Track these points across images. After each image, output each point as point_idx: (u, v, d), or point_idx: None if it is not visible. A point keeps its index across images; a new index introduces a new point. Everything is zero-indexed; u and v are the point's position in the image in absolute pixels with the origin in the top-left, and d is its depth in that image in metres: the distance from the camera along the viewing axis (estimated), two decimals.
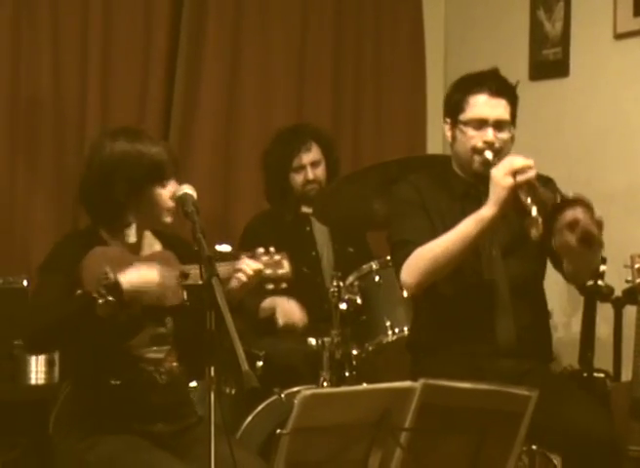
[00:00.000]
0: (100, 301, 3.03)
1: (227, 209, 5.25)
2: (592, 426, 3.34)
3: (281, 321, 4.40)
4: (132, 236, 3.30)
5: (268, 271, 3.26)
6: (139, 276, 3.12)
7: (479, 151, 3.52)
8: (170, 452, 3.16)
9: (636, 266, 4.06)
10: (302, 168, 4.71)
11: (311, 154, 4.72)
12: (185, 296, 3.20)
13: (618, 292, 4.43)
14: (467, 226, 3.39)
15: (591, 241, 3.18)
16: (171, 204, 3.25)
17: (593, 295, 4.53)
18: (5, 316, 4.39)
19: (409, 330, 4.01)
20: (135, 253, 3.29)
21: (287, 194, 4.74)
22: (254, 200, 5.11)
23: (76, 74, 5.02)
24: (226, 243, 3.77)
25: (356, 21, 5.58)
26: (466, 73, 3.66)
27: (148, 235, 3.37)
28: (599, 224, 3.19)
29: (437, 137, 5.69)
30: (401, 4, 5.66)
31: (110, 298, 3.03)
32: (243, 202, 5.24)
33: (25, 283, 4.46)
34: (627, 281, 4.08)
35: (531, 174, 3.30)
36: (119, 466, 3.12)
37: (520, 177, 3.30)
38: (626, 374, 4.36)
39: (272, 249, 3.29)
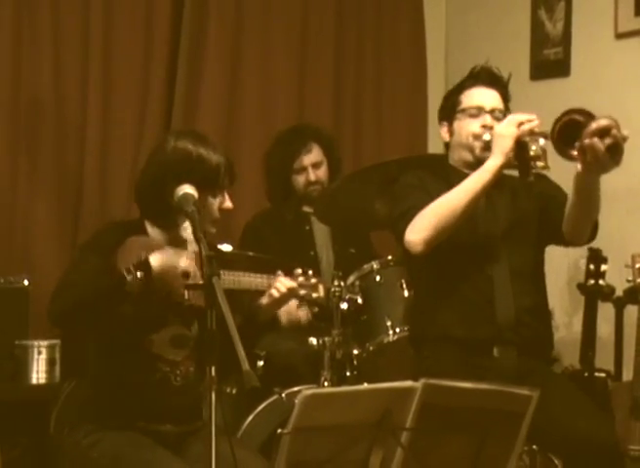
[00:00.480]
0: (129, 277, 3.03)
1: (227, 217, 5.24)
2: (593, 429, 3.35)
3: (284, 319, 4.40)
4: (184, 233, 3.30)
5: (303, 292, 3.29)
6: (167, 257, 3.12)
7: (478, 136, 3.59)
8: (171, 451, 3.16)
9: (637, 266, 4.07)
10: (304, 169, 4.70)
11: (312, 155, 4.72)
12: (187, 296, 3.19)
13: (619, 292, 4.43)
14: (473, 178, 3.47)
15: (619, 152, 3.22)
16: (217, 215, 3.25)
17: (594, 295, 4.53)
18: (6, 315, 4.40)
19: (409, 326, 4.01)
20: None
21: (289, 195, 4.74)
22: (254, 199, 5.10)
23: (77, 75, 5.02)
24: (227, 242, 3.78)
25: (357, 22, 5.59)
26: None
27: (192, 241, 3.35)
28: (624, 139, 3.23)
29: (438, 141, 5.66)
30: (402, 4, 5.67)
31: (138, 274, 3.03)
32: (243, 201, 5.22)
33: (26, 282, 4.46)
34: (628, 280, 4.09)
35: (534, 123, 3.41)
36: (122, 463, 3.12)
37: (524, 127, 3.40)
38: (627, 374, 4.36)
39: (310, 271, 3.32)
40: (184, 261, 3.14)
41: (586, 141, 3.20)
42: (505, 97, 3.70)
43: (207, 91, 5.26)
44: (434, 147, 5.65)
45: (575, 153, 3.25)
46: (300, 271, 3.29)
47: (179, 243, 3.28)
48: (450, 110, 3.70)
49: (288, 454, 2.60)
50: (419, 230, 3.49)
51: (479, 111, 3.63)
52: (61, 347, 4.46)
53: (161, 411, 3.23)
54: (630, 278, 4.08)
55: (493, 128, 3.55)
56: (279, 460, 2.60)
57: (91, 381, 3.34)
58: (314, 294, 3.31)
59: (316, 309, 3.32)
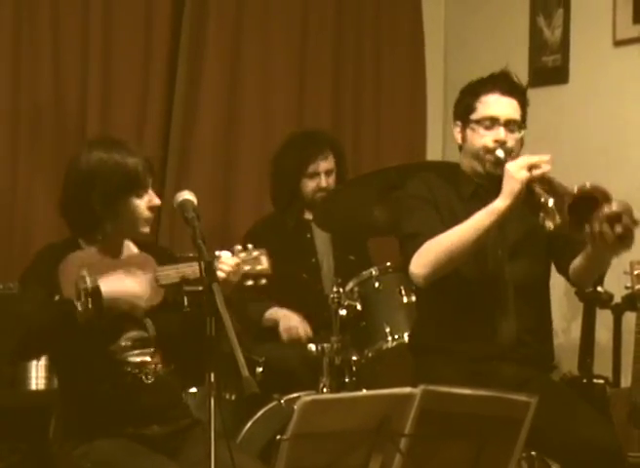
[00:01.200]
0: (80, 308, 3.03)
1: (227, 214, 5.25)
2: (593, 435, 3.33)
3: (284, 336, 4.41)
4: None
5: (247, 267, 3.21)
6: (119, 284, 3.13)
7: (491, 150, 3.49)
8: (166, 455, 3.15)
9: (635, 273, 4.06)
10: (317, 175, 4.69)
11: (327, 162, 4.71)
12: (186, 302, 3.20)
13: (617, 299, 4.43)
14: (479, 218, 3.38)
15: (630, 240, 3.17)
16: (147, 214, 3.25)
17: (593, 302, 4.53)
18: (4, 322, 4.38)
19: (410, 332, 4.00)
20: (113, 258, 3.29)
21: (294, 199, 4.72)
22: (253, 205, 5.11)
23: (77, 76, 5.04)
24: (226, 248, 3.77)
25: (356, 27, 5.60)
26: (476, 78, 3.64)
27: (128, 243, 3.36)
28: (637, 224, 3.18)
29: (437, 144, 5.71)
30: (401, 10, 5.67)
31: (90, 306, 3.04)
32: (243, 207, 5.24)
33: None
34: (627, 287, 4.09)
35: (546, 168, 3.30)
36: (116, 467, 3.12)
37: (535, 171, 3.29)
38: (626, 381, 4.36)
39: (250, 245, 3.25)
40: (135, 283, 3.14)
41: (596, 228, 3.14)
42: (523, 106, 3.58)
43: (207, 91, 5.26)
44: (433, 150, 5.68)
45: (585, 234, 3.18)
46: (239, 247, 3.24)
47: (114, 253, 3.30)
48: (463, 113, 3.59)
49: (287, 461, 2.60)
50: (422, 266, 3.44)
51: (493, 123, 3.51)
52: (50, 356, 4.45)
53: (142, 413, 3.22)
54: (629, 285, 4.08)
55: (506, 143, 3.48)
56: (278, 466, 2.60)
57: (65, 396, 3.34)
58: (258, 267, 3.22)
59: (263, 281, 3.27)
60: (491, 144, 3.50)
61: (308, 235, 4.75)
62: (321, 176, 4.68)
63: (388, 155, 5.50)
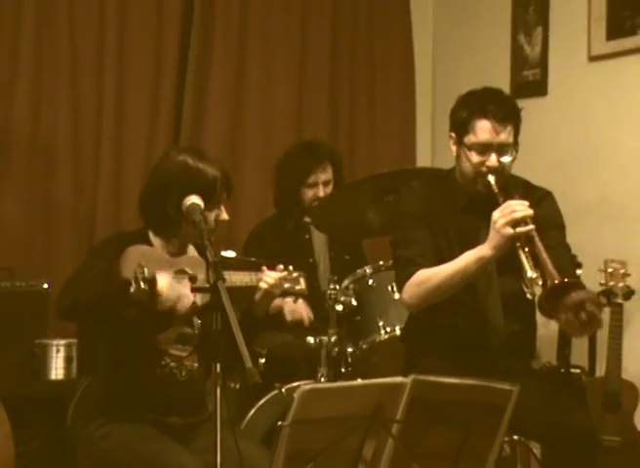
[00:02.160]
0: (134, 287, 3.01)
1: (232, 217, 5.23)
2: (571, 419, 3.33)
3: (289, 318, 4.39)
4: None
5: (287, 285, 3.32)
6: (170, 285, 3.09)
7: (482, 175, 3.40)
8: (179, 442, 3.15)
9: (609, 270, 4.08)
10: (316, 185, 4.66)
11: (326, 174, 4.68)
12: (195, 299, 3.19)
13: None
14: (467, 262, 3.33)
15: (596, 323, 3.12)
16: (213, 226, 3.24)
17: None
18: (27, 316, 4.39)
19: (402, 327, 3.99)
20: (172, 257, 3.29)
21: (294, 205, 4.72)
22: (256, 209, 5.10)
23: (92, 99, 5.02)
24: (231, 249, 3.79)
25: (351, 45, 5.60)
26: (473, 89, 3.52)
27: (191, 248, 3.36)
28: (601, 308, 3.14)
29: (425, 151, 5.72)
30: (392, 28, 5.68)
31: (144, 286, 3.02)
32: (246, 210, 5.23)
33: (45, 286, 4.45)
34: (601, 284, 4.10)
35: (529, 227, 3.21)
36: (130, 453, 3.12)
37: (519, 229, 3.22)
38: (600, 370, 4.37)
39: (291, 267, 3.34)
40: (185, 289, 3.14)
41: (562, 317, 3.11)
42: (517, 126, 3.44)
43: (212, 106, 5.24)
44: (422, 156, 5.68)
45: (554, 317, 3.17)
46: (281, 267, 3.30)
47: (176, 252, 3.29)
48: (458, 129, 3.45)
49: (287, 445, 2.60)
50: (414, 297, 3.44)
51: (485, 149, 3.37)
52: (78, 345, 4.46)
53: (167, 404, 3.23)
54: (603, 281, 4.09)
55: (496, 169, 3.37)
56: (279, 450, 2.60)
57: (103, 377, 3.33)
58: (297, 287, 3.35)
59: (300, 301, 3.38)
60: (482, 169, 3.40)
61: (307, 236, 4.74)
62: (319, 187, 4.65)
63: (381, 162, 5.49)
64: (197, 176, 3.21)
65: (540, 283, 3.15)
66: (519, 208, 3.24)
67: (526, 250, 3.20)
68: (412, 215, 3.53)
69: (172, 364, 3.23)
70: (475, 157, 3.40)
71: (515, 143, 3.45)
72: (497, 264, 3.46)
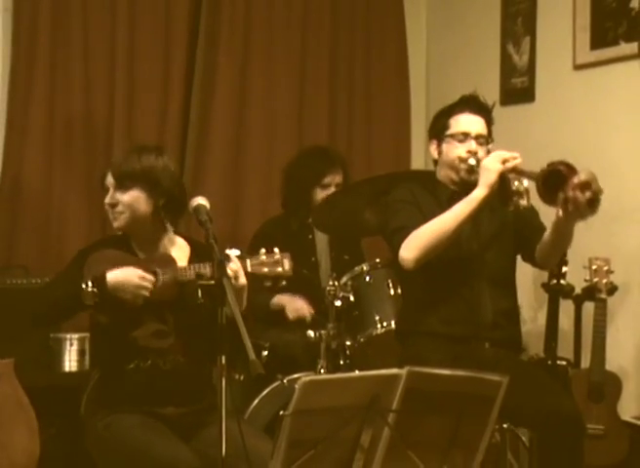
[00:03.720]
0: (84, 289, 3.06)
1: (236, 217, 5.24)
2: (558, 405, 3.35)
3: (291, 316, 4.40)
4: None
5: (266, 269, 3.17)
6: (122, 274, 3.11)
7: (464, 159, 3.56)
8: (179, 434, 3.14)
9: (593, 267, 4.08)
10: (329, 186, 4.66)
11: (339, 177, 4.70)
12: (200, 294, 3.18)
13: (578, 290, 4.43)
14: (460, 206, 3.43)
15: (597, 204, 3.22)
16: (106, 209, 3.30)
17: (556, 293, 4.53)
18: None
19: (397, 318, 4.00)
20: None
21: (303, 205, 4.71)
22: (259, 210, 5.09)
23: (104, 96, 5.01)
24: (235, 247, 3.76)
25: (349, 56, 5.60)
26: (448, 104, 3.72)
27: (180, 241, 3.35)
28: (601, 191, 3.24)
29: (419, 154, 5.71)
30: (388, 41, 5.68)
31: (93, 289, 3.05)
32: (250, 212, 5.23)
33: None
34: (586, 280, 4.10)
35: (517, 161, 3.38)
36: (129, 443, 3.10)
37: (508, 164, 3.37)
38: (585, 362, 4.36)
39: (276, 249, 3.21)
40: (135, 274, 3.12)
41: (570, 194, 3.18)
42: (489, 123, 3.66)
43: (218, 112, 5.24)
44: (416, 161, 5.68)
45: (558, 202, 3.22)
46: (263, 250, 3.19)
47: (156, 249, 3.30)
48: (439, 131, 3.66)
49: (289, 433, 2.59)
50: (411, 249, 3.46)
51: (465, 137, 3.58)
52: (90, 339, 4.45)
53: (159, 395, 3.21)
54: (588, 278, 4.10)
55: (477, 153, 3.55)
56: (281, 438, 2.59)
57: (98, 374, 3.36)
58: (278, 269, 3.16)
59: (283, 283, 3.20)
60: (464, 154, 3.57)
61: (310, 236, 4.74)
62: (332, 188, 4.65)
63: (377, 164, 5.50)
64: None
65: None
66: (505, 152, 3.42)
67: (516, 183, 3.35)
68: (401, 200, 3.65)
69: (154, 356, 3.22)
70: (457, 144, 3.59)
71: (489, 136, 3.64)
72: (481, 244, 3.58)
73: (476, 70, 5.40)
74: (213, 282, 2.87)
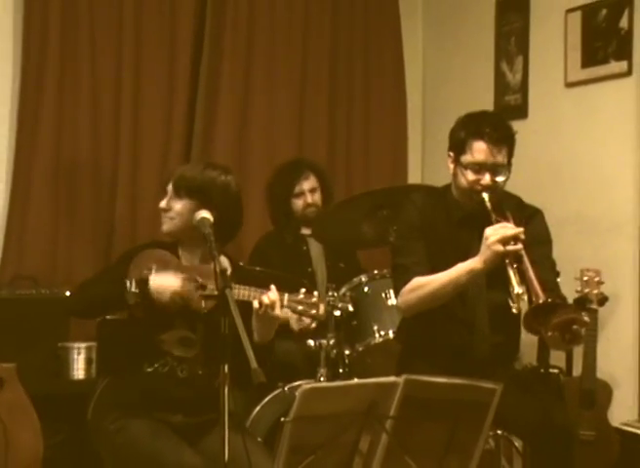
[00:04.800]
0: (127, 289, 3.06)
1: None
2: (550, 415, 3.32)
3: (296, 327, 4.37)
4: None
5: (300, 308, 3.14)
6: (164, 280, 3.11)
7: (476, 192, 3.37)
8: (188, 441, 3.12)
9: (584, 279, 4.08)
10: (302, 193, 4.70)
11: (309, 181, 4.72)
12: (203, 304, 3.17)
13: (569, 301, 4.42)
14: (459, 274, 3.31)
15: (578, 341, 3.11)
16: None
17: None
18: (51, 321, 4.39)
19: (394, 330, 3.98)
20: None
21: (289, 218, 4.73)
22: (260, 220, 5.08)
23: (110, 130, 5.02)
24: (236, 258, 3.75)
25: (348, 74, 5.60)
26: (472, 112, 3.48)
27: (223, 259, 3.26)
28: (585, 326, 3.11)
29: (416, 169, 5.72)
30: (386, 60, 5.68)
31: (136, 290, 3.06)
32: (251, 222, 5.21)
33: (68, 293, 4.45)
34: (577, 291, 4.10)
35: (518, 246, 3.18)
36: (139, 448, 3.09)
37: (509, 248, 3.19)
38: (577, 370, 4.36)
39: (316, 292, 3.17)
40: (177, 282, 3.12)
41: (549, 334, 3.06)
42: (511, 150, 3.40)
43: (221, 124, 5.24)
44: (413, 175, 5.68)
45: (539, 333, 3.12)
46: (303, 290, 3.16)
47: (204, 262, 3.26)
48: (456, 148, 3.42)
49: (290, 439, 2.60)
50: (408, 303, 3.42)
51: (480, 168, 3.34)
52: (97, 348, 4.46)
53: (171, 402, 3.19)
54: (579, 289, 4.09)
55: (489, 187, 3.35)
56: (282, 444, 2.60)
57: (116, 375, 3.35)
58: (313, 311, 3.15)
59: (313, 325, 3.21)
60: (477, 187, 3.37)
61: (304, 248, 4.74)
62: (306, 194, 4.69)
63: (375, 179, 5.50)
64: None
65: (526, 298, 3.12)
66: (510, 229, 3.22)
67: (514, 266, 3.16)
68: (411, 226, 3.52)
69: (173, 363, 3.20)
70: (471, 175, 3.37)
71: (509, 164, 3.41)
72: (486, 278, 3.42)
73: (471, 87, 5.41)
74: (216, 292, 2.86)
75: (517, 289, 3.12)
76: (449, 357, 3.46)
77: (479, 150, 3.35)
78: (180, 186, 3.24)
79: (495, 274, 3.31)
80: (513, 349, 3.65)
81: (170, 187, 3.27)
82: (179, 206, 3.24)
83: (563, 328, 3.03)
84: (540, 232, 3.50)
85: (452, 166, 3.46)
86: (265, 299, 3.07)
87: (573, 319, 3.03)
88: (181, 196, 3.24)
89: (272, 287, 3.10)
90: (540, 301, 3.04)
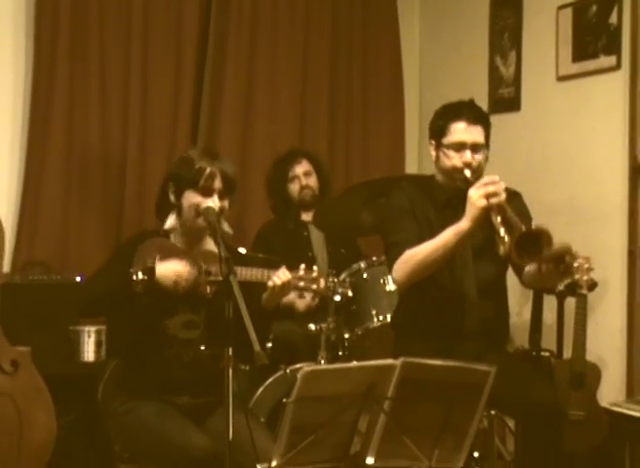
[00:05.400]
0: (134, 278, 3.04)
1: (240, 216, 5.24)
2: (540, 395, 3.33)
3: (301, 306, 4.37)
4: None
5: (302, 284, 3.17)
6: (170, 266, 3.11)
7: (459, 170, 3.44)
8: (194, 422, 3.12)
9: (575, 265, 4.06)
10: (296, 177, 4.72)
11: (301, 165, 4.75)
12: (208, 290, 3.17)
13: (560, 287, 4.42)
14: (447, 236, 3.34)
15: (570, 274, 3.22)
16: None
17: (540, 289, 4.53)
18: (62, 306, 4.39)
19: (392, 314, 3.99)
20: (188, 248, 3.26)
21: (288, 205, 4.74)
22: (262, 212, 5.08)
23: (119, 119, 5.01)
24: (241, 246, 3.76)
25: (347, 68, 5.59)
26: (448, 102, 3.58)
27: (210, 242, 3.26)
28: (576, 259, 3.18)
29: (413, 159, 5.72)
30: (384, 54, 5.67)
31: (144, 277, 3.04)
32: (254, 213, 5.22)
33: (78, 279, 4.46)
34: None
35: (501, 197, 3.24)
36: (148, 429, 3.09)
37: (492, 200, 3.24)
38: (567, 353, 4.36)
39: (315, 267, 3.20)
40: (186, 271, 3.12)
41: (543, 268, 3.14)
42: (487, 129, 3.51)
43: (225, 117, 5.22)
44: (410, 164, 5.68)
45: (528, 266, 3.19)
46: (302, 266, 3.19)
47: (196, 245, 3.26)
48: (437, 135, 3.52)
49: (292, 419, 2.61)
50: (402, 274, 3.43)
51: (461, 147, 3.44)
52: (106, 331, 4.46)
53: (177, 385, 3.18)
54: None
55: (471, 164, 3.43)
56: (284, 424, 2.60)
57: (123, 359, 3.35)
58: (314, 286, 3.18)
59: (316, 301, 3.24)
60: (459, 165, 3.45)
61: (305, 233, 4.74)
62: (300, 177, 4.72)
63: (374, 169, 5.49)
64: (189, 167, 3.21)
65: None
66: (491, 183, 3.28)
67: (499, 218, 3.23)
68: (400, 208, 3.56)
69: (178, 346, 3.19)
70: (453, 154, 3.46)
71: (487, 144, 3.50)
72: (472, 251, 3.49)
73: (466, 81, 5.40)
74: (221, 278, 2.86)
75: (502, 233, 3.18)
76: (443, 334, 3.49)
77: (459, 130, 3.46)
78: (231, 186, 3.23)
79: (480, 247, 3.42)
80: (503, 323, 3.66)
81: (217, 185, 3.21)
82: (226, 204, 3.24)
83: (556, 259, 3.10)
84: (522, 210, 3.53)
85: (434, 153, 3.54)
86: (277, 280, 3.11)
87: (563, 253, 3.10)
88: (227, 196, 3.24)
89: (283, 267, 3.14)
90: (523, 229, 3.10)
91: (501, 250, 3.19)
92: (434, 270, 3.41)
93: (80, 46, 4.90)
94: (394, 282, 3.53)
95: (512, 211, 3.25)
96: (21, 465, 3.54)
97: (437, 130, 3.52)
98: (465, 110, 3.49)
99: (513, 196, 3.53)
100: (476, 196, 3.26)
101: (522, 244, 3.10)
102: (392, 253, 3.49)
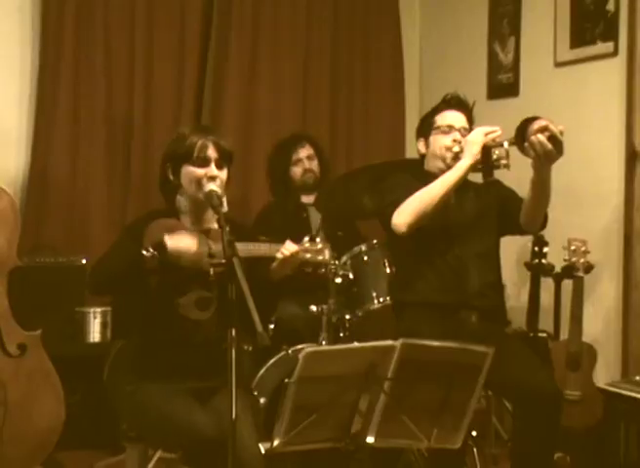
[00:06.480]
0: (146, 254, 2.99)
1: (244, 196, 5.23)
2: (537, 378, 3.34)
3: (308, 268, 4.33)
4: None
5: (308, 255, 3.19)
6: (180, 240, 3.05)
7: (450, 148, 3.62)
8: (200, 402, 3.07)
9: (572, 248, 4.07)
10: (300, 161, 4.73)
11: (306, 149, 4.76)
12: (212, 272, 3.13)
13: (557, 269, 4.43)
14: (447, 175, 3.51)
15: (558, 142, 3.28)
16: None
17: (538, 271, 4.53)
18: (68, 288, 4.39)
19: (392, 291, 3.99)
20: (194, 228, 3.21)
21: (289, 187, 4.73)
22: (264, 193, 5.06)
23: (125, 116, 5.02)
24: (244, 222, 3.71)
25: (349, 56, 5.59)
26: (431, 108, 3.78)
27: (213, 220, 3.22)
28: (561, 132, 3.29)
29: (413, 144, 5.62)
30: (385, 42, 5.66)
31: (154, 252, 2.99)
32: (255, 194, 5.21)
33: (84, 261, 4.45)
34: (565, 260, 4.09)
35: (498, 133, 3.46)
36: (154, 408, 3.05)
37: (490, 135, 3.46)
38: (564, 334, 4.36)
39: (318, 239, 3.24)
40: (194, 243, 3.06)
41: (532, 138, 3.26)
42: (470, 119, 3.73)
43: (229, 103, 5.22)
44: (411, 151, 5.65)
45: (527, 148, 3.30)
46: (307, 238, 3.23)
47: (204, 226, 3.22)
48: (426, 128, 3.73)
49: (293, 399, 2.60)
50: (403, 215, 3.50)
51: (450, 129, 3.66)
52: (112, 313, 4.46)
53: (185, 367, 3.11)
54: (566, 257, 4.09)
55: (461, 142, 3.58)
56: (286, 404, 2.60)
57: (132, 339, 3.29)
58: (319, 257, 3.22)
59: (322, 270, 3.24)
60: (449, 143, 3.63)
61: (305, 215, 4.74)
62: (304, 161, 4.73)
63: (375, 153, 5.48)
64: (181, 142, 3.18)
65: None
66: (487, 127, 3.51)
67: (497, 151, 3.44)
68: (397, 184, 3.69)
69: (189, 327, 3.12)
70: (442, 136, 3.66)
71: (471, 129, 3.66)
72: (467, 226, 3.62)
73: (465, 67, 5.39)
74: (224, 260, 2.83)
75: (505, 144, 3.40)
76: (443, 299, 3.55)
77: (448, 115, 3.69)
78: (226, 156, 3.20)
79: (473, 222, 3.61)
80: (498, 291, 3.71)
81: (211, 153, 3.17)
82: (223, 175, 3.20)
83: (543, 130, 3.28)
84: (508, 189, 3.73)
85: (423, 148, 3.74)
86: (286, 252, 3.13)
87: (546, 125, 3.27)
88: (224, 165, 3.20)
89: (288, 241, 3.16)
90: (522, 124, 3.32)
91: (504, 162, 3.41)
92: (435, 211, 3.47)
93: (85, 30, 4.88)
94: (396, 228, 3.53)
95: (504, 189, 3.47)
96: (25, 449, 3.52)
97: (426, 125, 3.74)
98: (451, 100, 3.73)
99: (495, 181, 3.62)
100: (475, 134, 3.48)
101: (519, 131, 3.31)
102: (390, 209, 3.55)
